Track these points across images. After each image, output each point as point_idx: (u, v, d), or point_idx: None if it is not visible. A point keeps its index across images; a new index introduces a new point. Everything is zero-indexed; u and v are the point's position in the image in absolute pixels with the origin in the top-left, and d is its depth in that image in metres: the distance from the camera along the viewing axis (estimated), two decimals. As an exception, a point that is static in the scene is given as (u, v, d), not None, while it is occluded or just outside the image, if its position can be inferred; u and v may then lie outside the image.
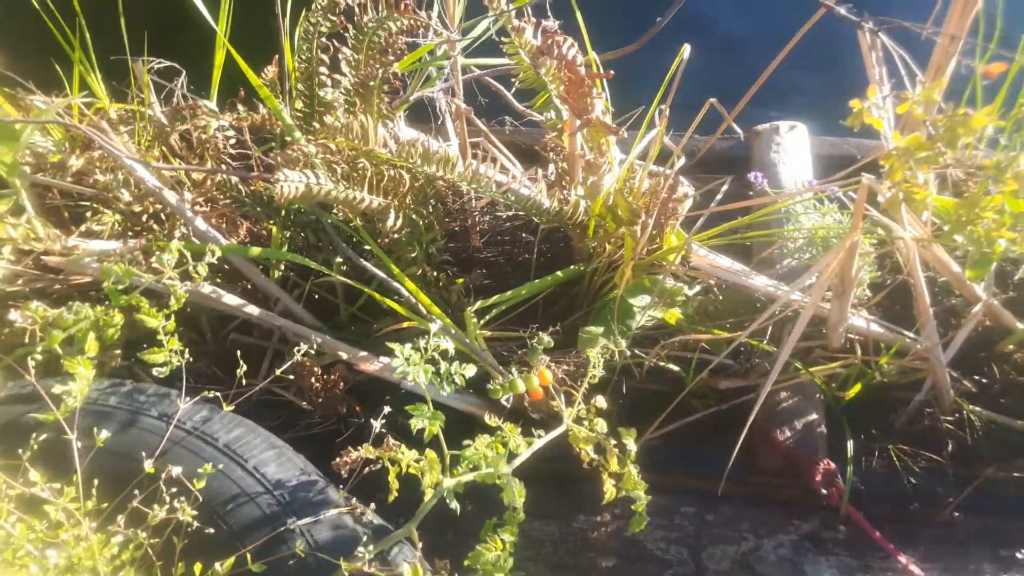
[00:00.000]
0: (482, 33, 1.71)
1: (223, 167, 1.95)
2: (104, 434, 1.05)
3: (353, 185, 1.40)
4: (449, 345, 1.13)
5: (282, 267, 1.85)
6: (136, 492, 1.04)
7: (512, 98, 2.02)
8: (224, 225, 1.89)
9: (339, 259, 1.75)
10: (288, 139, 1.57)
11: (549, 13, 1.58)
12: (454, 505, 1.18)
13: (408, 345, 1.16)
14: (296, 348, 1.31)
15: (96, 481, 1.05)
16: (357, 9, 1.52)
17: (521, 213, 2.00)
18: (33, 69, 2.26)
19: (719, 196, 1.66)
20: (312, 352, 1.67)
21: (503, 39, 1.65)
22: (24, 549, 0.89)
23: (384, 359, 1.69)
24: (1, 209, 1.97)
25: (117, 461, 1.09)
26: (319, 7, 1.54)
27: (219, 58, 2.18)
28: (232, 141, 2.08)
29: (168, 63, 2.25)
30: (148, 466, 1.07)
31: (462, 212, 1.97)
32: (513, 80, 1.70)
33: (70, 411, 1.12)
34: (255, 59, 1.89)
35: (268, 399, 1.75)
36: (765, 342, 1.65)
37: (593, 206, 1.51)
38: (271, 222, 1.79)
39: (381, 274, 1.57)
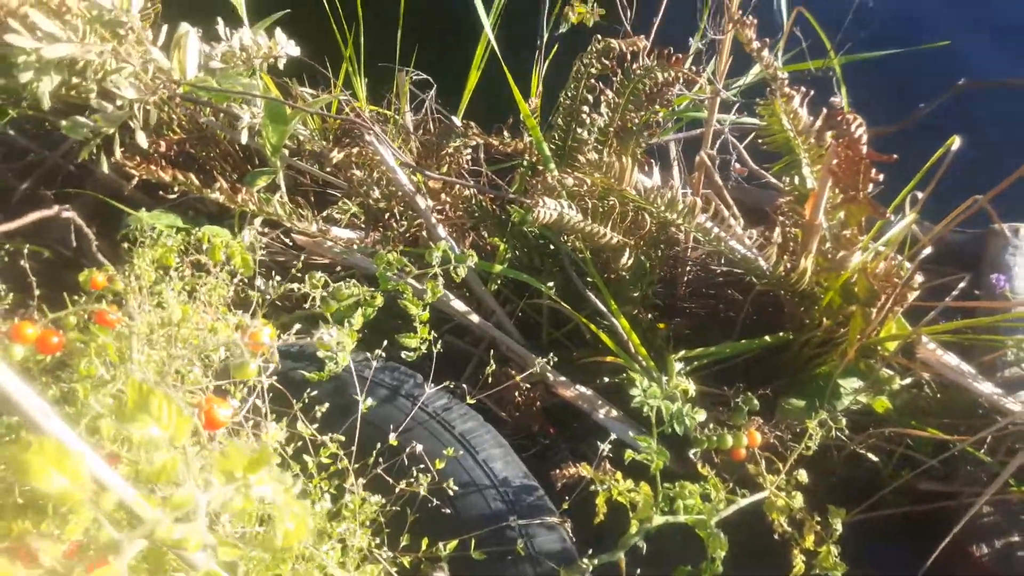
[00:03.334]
0: (739, 89, 1.75)
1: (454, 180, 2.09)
2: (370, 401, 1.17)
3: (599, 220, 1.47)
4: (691, 385, 1.17)
5: (498, 282, 1.96)
6: (380, 460, 1.14)
7: (746, 154, 2.05)
8: (454, 235, 2.03)
9: (551, 284, 1.84)
10: (540, 167, 1.67)
11: (809, 81, 1.60)
12: (642, 544, 1.22)
13: (644, 379, 1.21)
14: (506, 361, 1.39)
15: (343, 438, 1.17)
16: (629, 55, 1.60)
17: (737, 271, 2.02)
18: (307, 65, 2.52)
19: (955, 292, 1.61)
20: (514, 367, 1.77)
21: (758, 100, 1.69)
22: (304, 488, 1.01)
23: (580, 387, 1.75)
24: (260, 184, 2.21)
25: (368, 429, 1.20)
26: (594, 49, 1.63)
27: (472, 80, 2.35)
28: (470, 158, 2.23)
29: (424, 75, 2.45)
30: (392, 439, 1.17)
31: (674, 260, 2.01)
32: (760, 141, 1.73)
33: (332, 374, 1.25)
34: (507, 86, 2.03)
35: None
36: (982, 451, 1.58)
37: (832, 279, 1.50)
38: (498, 238, 1.90)
39: (601, 306, 1.63)
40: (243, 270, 1.31)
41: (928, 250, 1.47)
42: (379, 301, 1.36)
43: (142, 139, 1.76)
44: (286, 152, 2.36)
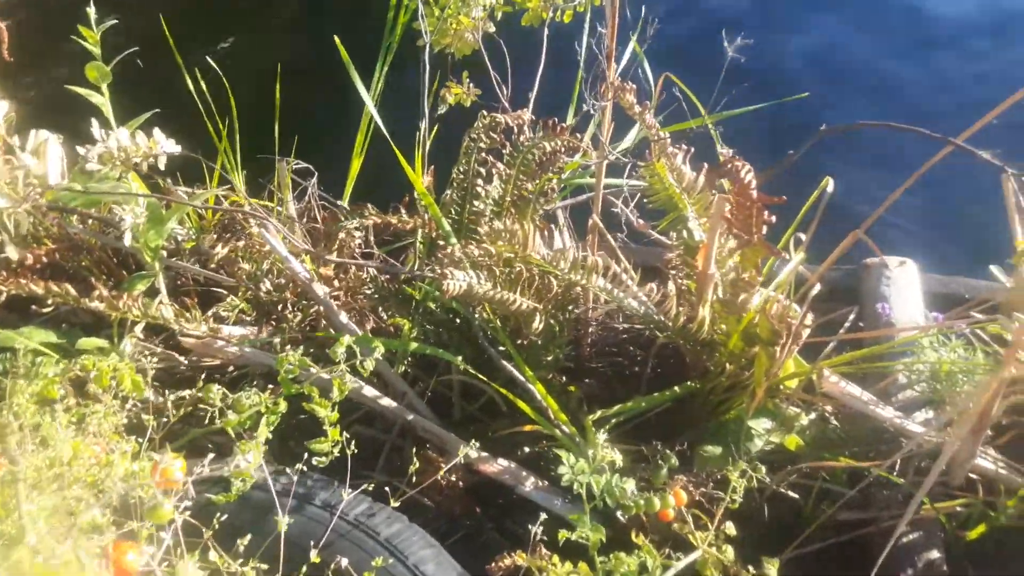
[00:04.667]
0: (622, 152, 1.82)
1: (357, 262, 2.05)
2: (286, 519, 1.09)
3: (508, 287, 1.47)
4: (617, 456, 1.16)
5: (406, 362, 1.91)
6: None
7: (630, 214, 2.12)
8: (354, 318, 1.98)
9: (459, 358, 1.82)
10: (440, 242, 1.66)
11: (689, 137, 1.68)
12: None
13: (570, 456, 1.19)
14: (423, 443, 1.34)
15: (265, 566, 1.08)
16: (516, 128, 1.63)
17: (638, 326, 2.06)
18: (179, 163, 2.44)
19: (846, 324, 1.70)
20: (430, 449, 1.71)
21: (640, 162, 1.76)
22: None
23: (503, 461, 1.72)
24: (139, 289, 2.09)
25: (289, 549, 1.12)
26: (481, 125, 1.66)
27: (355, 166, 2.34)
28: (360, 242, 2.20)
29: (305, 164, 2.41)
30: (314, 555, 1.10)
31: (578, 320, 2.03)
32: (645, 200, 1.80)
33: (241, 494, 1.16)
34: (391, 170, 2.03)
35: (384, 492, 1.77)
36: (895, 473, 1.64)
37: (732, 323, 1.55)
38: (401, 318, 1.86)
39: (516, 373, 1.62)
40: (134, 393, 1.22)
41: (816, 288, 1.54)
42: (282, 407, 1.29)
43: (12, 252, 1.64)
44: (164, 253, 2.26)
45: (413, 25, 2.24)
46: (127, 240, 1.70)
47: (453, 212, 1.70)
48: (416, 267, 1.88)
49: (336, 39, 1.76)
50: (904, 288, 2.11)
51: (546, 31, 2.28)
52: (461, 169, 1.67)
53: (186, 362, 2.09)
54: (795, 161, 1.70)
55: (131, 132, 1.67)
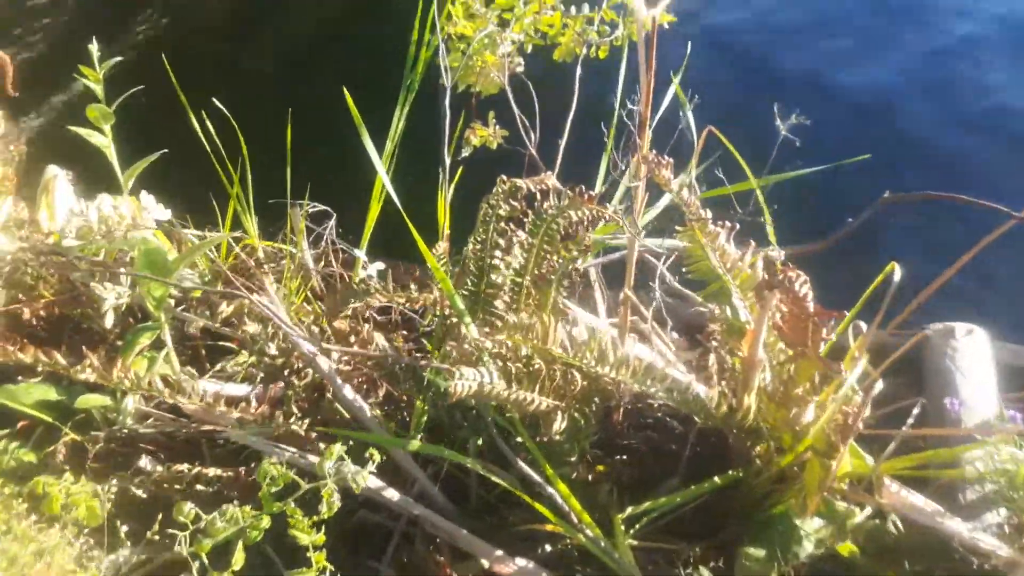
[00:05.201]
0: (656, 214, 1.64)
1: (369, 325, 1.90)
2: None
3: (525, 386, 1.30)
4: None
5: (419, 437, 1.76)
6: None
7: (669, 275, 1.94)
8: (365, 386, 1.83)
9: (479, 442, 1.65)
10: (453, 319, 1.51)
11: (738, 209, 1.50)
12: None
13: None
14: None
15: None
16: (539, 195, 1.47)
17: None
18: (194, 206, 2.32)
19: (910, 420, 1.50)
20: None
21: (678, 228, 1.58)
22: None
23: (520, 561, 1.55)
24: (143, 342, 1.97)
25: None
26: (500, 191, 1.49)
27: (373, 211, 2.19)
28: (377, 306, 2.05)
29: (322, 207, 2.27)
30: None
31: (607, 407, 1.86)
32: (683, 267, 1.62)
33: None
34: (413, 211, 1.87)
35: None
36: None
37: (783, 417, 1.37)
38: (413, 391, 1.71)
39: (535, 475, 1.46)
40: (88, 522, 1.08)
41: (879, 386, 1.35)
42: (266, 523, 1.14)
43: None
44: (172, 302, 2.13)
45: (436, 59, 2.08)
46: (108, 322, 1.57)
47: (469, 284, 1.54)
48: (434, 334, 1.72)
49: (344, 90, 1.60)
50: (973, 363, 1.89)
51: (579, 70, 2.11)
52: (479, 239, 1.51)
53: (191, 426, 1.96)
54: (852, 231, 1.51)
55: (123, 193, 1.54)
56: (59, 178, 2.29)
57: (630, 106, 1.59)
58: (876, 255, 1.66)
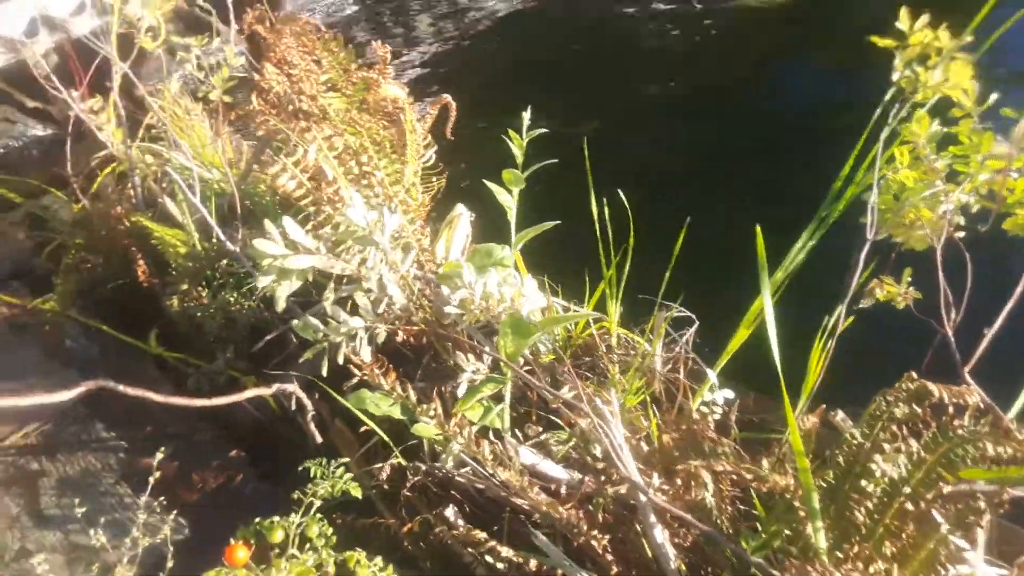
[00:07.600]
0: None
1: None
2: None
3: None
4: None
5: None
6: None
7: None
8: (677, 524, 1.68)
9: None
10: (800, 511, 1.30)
11: None
12: None
13: None
14: None
15: None
16: (951, 407, 1.20)
17: None
18: (566, 279, 2.38)
19: None
20: None
21: None
22: None
23: None
24: (486, 392, 2.04)
25: None
26: (903, 387, 1.26)
27: (739, 335, 2.03)
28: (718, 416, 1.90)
29: (686, 312, 2.19)
30: None
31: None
32: None
33: None
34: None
35: None
36: None
37: None
38: None
39: None
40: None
41: None
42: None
43: (367, 353, 1.66)
44: (521, 360, 2.19)
45: (863, 196, 1.86)
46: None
47: (831, 476, 1.32)
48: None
49: (758, 229, 1.47)
50: None
51: (1036, 249, 1.74)
52: (860, 432, 1.28)
53: (500, 493, 1.98)
54: None
55: (512, 249, 1.58)
56: (463, 217, 2.49)
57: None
58: None
